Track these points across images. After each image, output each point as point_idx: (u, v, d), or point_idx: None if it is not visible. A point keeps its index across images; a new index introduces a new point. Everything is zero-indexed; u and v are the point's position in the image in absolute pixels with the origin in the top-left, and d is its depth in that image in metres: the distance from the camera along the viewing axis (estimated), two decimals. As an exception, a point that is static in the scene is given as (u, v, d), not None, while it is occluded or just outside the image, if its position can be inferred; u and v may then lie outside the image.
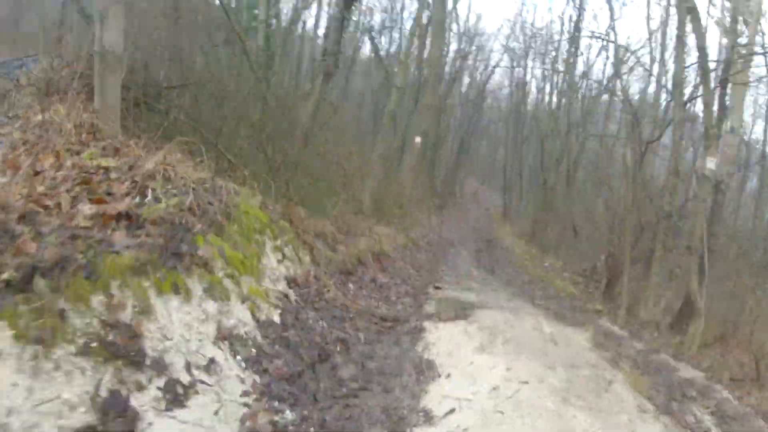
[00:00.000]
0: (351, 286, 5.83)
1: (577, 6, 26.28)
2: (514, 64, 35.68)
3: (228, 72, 8.16)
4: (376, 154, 13.04)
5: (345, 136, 19.80)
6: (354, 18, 26.43)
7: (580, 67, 27.25)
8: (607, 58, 26.94)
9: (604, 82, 28.04)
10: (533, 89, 35.70)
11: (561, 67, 27.62)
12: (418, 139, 16.51)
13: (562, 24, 31.96)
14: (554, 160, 24.28)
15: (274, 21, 11.95)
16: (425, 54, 18.29)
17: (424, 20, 20.24)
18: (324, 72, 9.69)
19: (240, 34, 8.47)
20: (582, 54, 27.40)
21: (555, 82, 28.93)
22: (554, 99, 28.89)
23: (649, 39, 22.73)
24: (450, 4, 25.64)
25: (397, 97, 13.46)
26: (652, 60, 22.85)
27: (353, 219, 11.13)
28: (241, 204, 3.80)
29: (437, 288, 7.18)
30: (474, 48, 33.42)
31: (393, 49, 28.66)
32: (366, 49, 35.58)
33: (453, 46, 30.00)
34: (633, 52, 21.44)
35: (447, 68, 27.26)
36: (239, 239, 3.54)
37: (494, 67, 36.13)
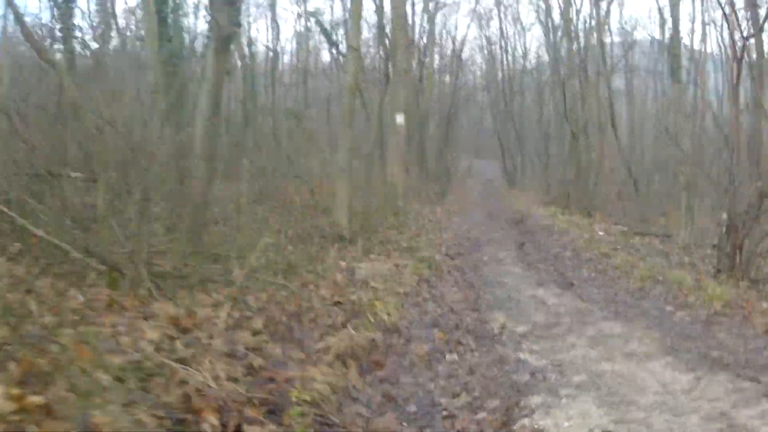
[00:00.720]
0: None
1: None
2: (484, 24, 33.07)
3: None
4: (342, 153, 9.02)
5: (311, 148, 15.87)
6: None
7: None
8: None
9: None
10: (509, 48, 34.98)
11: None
12: (400, 118, 12.49)
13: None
14: (579, 106, 20.64)
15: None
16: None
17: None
18: (216, 37, 5.54)
19: None
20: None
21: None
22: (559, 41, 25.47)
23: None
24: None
25: (355, 64, 9.30)
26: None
27: (325, 256, 7.15)
28: None
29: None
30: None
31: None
32: (326, 53, 31.55)
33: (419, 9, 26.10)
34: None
35: (416, 32, 23.34)
36: None
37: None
